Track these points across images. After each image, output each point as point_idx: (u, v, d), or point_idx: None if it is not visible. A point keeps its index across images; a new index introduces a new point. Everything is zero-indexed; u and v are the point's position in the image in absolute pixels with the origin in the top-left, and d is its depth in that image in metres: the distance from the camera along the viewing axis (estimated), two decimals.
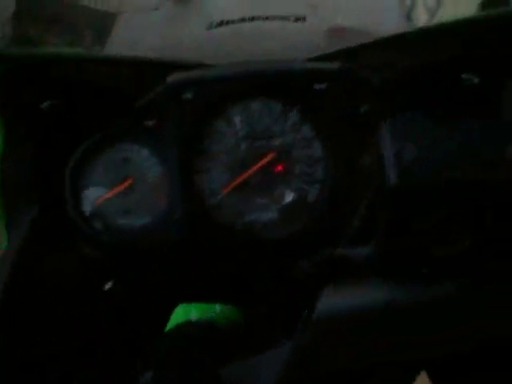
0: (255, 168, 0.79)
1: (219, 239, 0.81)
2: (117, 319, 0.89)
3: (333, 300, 0.48)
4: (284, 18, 0.97)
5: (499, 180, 0.44)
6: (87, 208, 0.85)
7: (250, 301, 0.90)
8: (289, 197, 0.81)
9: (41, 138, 0.83)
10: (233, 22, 0.97)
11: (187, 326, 0.90)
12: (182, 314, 1.04)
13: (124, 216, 0.85)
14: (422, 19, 3.31)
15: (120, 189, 0.83)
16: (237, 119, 0.80)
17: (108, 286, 0.86)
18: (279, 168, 0.80)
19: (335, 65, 0.77)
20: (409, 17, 3.37)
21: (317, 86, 0.75)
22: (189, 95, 0.77)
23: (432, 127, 0.48)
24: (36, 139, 0.83)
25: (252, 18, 0.97)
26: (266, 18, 0.97)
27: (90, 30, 3.23)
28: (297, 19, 0.96)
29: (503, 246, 0.50)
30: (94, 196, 0.85)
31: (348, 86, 0.77)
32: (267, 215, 0.81)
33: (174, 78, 0.78)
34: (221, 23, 0.96)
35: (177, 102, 0.77)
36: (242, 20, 0.97)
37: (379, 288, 0.49)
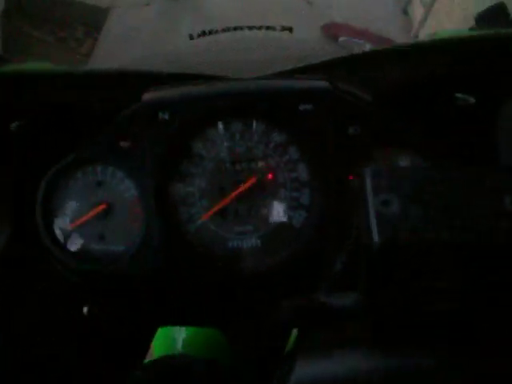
0: (236, 193, 0.74)
1: (198, 268, 0.76)
2: (96, 342, 0.85)
3: (310, 366, 0.44)
4: (270, 28, 0.91)
5: (498, 233, 0.39)
6: (60, 233, 0.80)
7: (229, 325, 0.86)
8: (273, 223, 0.76)
9: (9, 159, 0.79)
10: (216, 31, 0.91)
11: (172, 358, 0.86)
12: (167, 342, 1.00)
13: (99, 241, 0.80)
14: (418, 14, 3.22)
15: (94, 213, 0.79)
16: (216, 141, 0.75)
17: (85, 309, 0.81)
18: (262, 192, 0.75)
19: (322, 83, 0.72)
20: (405, 11, 3.29)
21: (302, 107, 0.70)
22: (165, 115, 0.72)
23: (421, 174, 0.43)
24: (4, 160, 0.79)
25: (235, 28, 0.91)
26: (251, 28, 0.91)
27: (81, 25, 3.17)
28: (284, 29, 0.90)
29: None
30: (66, 221, 0.80)
31: (336, 106, 0.72)
32: (250, 242, 0.76)
33: (149, 96, 0.73)
34: (203, 33, 0.90)
35: (153, 123, 0.72)
36: (225, 30, 0.91)
37: (363, 350, 0.44)
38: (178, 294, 0.80)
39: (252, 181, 0.74)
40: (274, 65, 0.80)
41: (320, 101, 0.71)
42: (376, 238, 0.39)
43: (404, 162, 0.76)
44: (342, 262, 0.59)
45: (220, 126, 0.75)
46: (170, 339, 1.06)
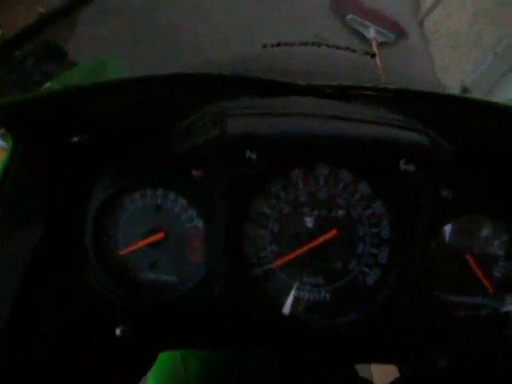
0: (314, 245, 0.68)
1: (258, 311, 0.71)
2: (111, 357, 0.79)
3: None
4: (350, 49, 0.83)
5: None
6: (109, 256, 0.73)
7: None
8: (345, 278, 0.71)
9: (61, 168, 0.70)
10: (292, 44, 0.83)
11: None
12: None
13: (149, 270, 0.74)
14: (427, 0, 3.14)
15: (150, 241, 0.72)
16: (298, 183, 0.69)
17: (118, 331, 0.75)
18: (340, 244, 0.70)
19: (423, 140, 0.66)
20: None
21: (403, 167, 0.65)
22: (253, 155, 0.64)
23: None
24: (56, 168, 0.70)
25: (313, 43, 0.83)
26: (330, 46, 0.83)
27: None
28: (366, 53, 0.83)
29: None
30: (118, 244, 0.73)
31: (435, 168, 0.66)
32: (318, 295, 0.71)
33: (238, 130, 0.65)
34: (278, 44, 0.82)
35: (237, 160, 0.65)
36: (302, 44, 0.83)
37: None
38: (225, 329, 0.75)
39: (333, 233, 0.68)
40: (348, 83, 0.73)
41: (421, 162, 0.65)
42: None
43: (485, 229, 0.73)
44: None
45: (305, 168, 0.68)
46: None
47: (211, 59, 0.85)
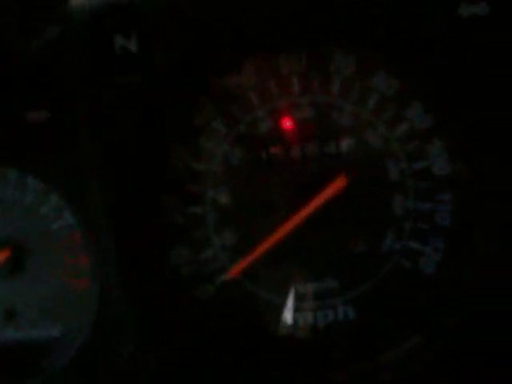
0: (307, 213, 0.35)
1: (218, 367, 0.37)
2: None
3: None
4: None
5: None
6: None
7: None
8: (378, 272, 0.37)
9: None
10: None
11: None
12: None
13: (5, 324, 0.40)
14: None
15: None
16: (251, 100, 0.35)
17: None
18: (355, 204, 0.36)
19: None
20: None
21: (466, 11, 0.30)
22: (130, 44, 0.31)
23: None
24: None
25: None
26: None
27: None
28: None
29: None
30: None
31: None
32: (332, 314, 0.37)
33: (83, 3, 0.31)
34: None
35: (101, 62, 0.32)
36: None
37: None
38: None
39: (340, 182, 0.35)
40: None
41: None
42: None
43: None
44: None
45: (255, 64, 0.34)
46: None
47: None
